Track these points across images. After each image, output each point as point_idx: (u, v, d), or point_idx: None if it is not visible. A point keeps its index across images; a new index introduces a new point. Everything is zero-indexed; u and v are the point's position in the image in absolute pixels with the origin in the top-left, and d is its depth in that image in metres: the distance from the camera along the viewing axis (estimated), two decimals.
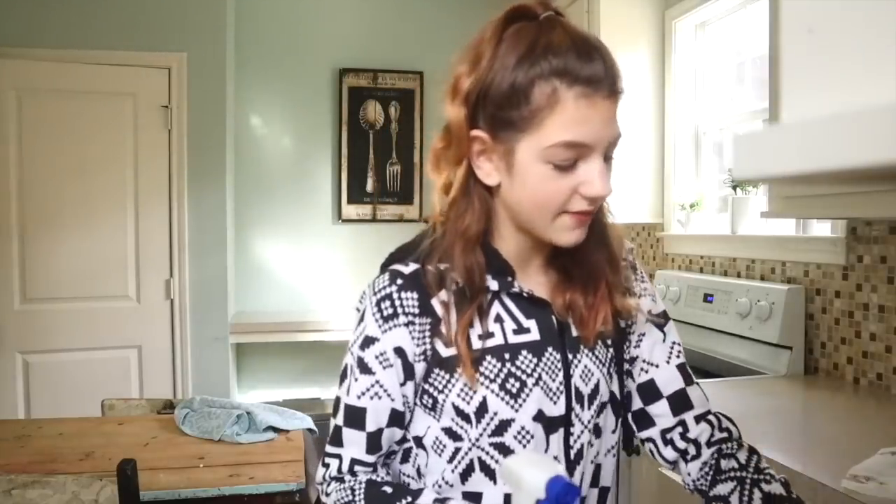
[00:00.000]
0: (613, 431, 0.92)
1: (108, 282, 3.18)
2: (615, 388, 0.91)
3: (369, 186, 3.76)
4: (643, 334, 0.93)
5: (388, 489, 0.83)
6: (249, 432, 1.95)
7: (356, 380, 0.85)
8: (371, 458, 0.85)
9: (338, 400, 0.87)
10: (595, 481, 0.90)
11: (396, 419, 0.86)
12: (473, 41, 0.82)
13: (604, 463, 0.91)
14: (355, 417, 0.85)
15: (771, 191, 1.62)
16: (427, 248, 0.85)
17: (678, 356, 0.94)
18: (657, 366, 0.93)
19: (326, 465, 0.87)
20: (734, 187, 2.32)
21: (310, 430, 2.11)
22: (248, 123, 3.66)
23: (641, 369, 0.93)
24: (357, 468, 0.85)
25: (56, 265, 3.11)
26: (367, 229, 3.75)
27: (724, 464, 0.87)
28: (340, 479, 0.85)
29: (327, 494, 0.86)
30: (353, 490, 0.83)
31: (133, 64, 3.17)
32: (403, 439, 0.89)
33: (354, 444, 0.85)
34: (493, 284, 0.85)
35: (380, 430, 0.85)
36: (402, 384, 0.85)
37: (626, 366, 0.93)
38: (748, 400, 1.79)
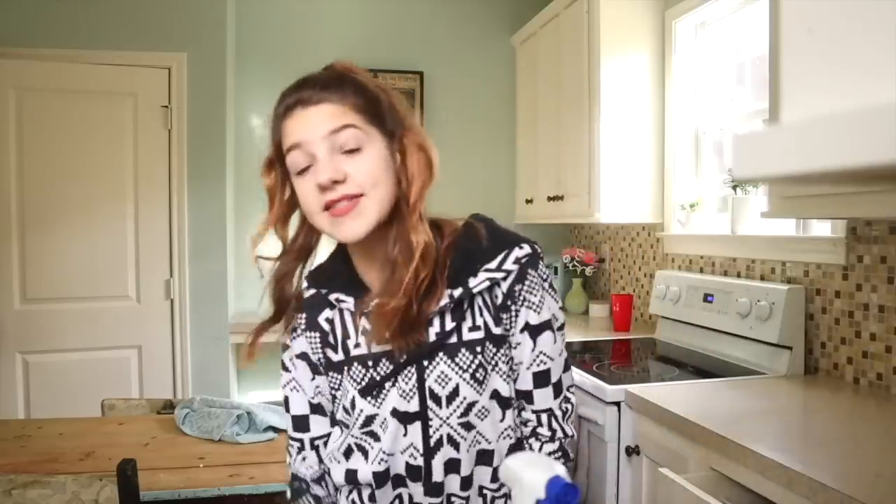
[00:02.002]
0: (501, 420, 1.03)
1: (108, 282, 3.17)
2: (498, 385, 1.02)
3: None
4: (519, 343, 1.03)
5: None
6: (249, 432, 1.95)
7: (281, 375, 1.11)
8: (297, 435, 1.10)
9: None
10: (487, 461, 1.02)
11: (315, 408, 1.10)
12: None
13: (497, 447, 1.02)
14: (286, 404, 1.11)
15: (771, 191, 1.62)
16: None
17: (539, 365, 1.04)
18: (524, 366, 1.05)
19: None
20: (734, 187, 2.32)
21: None
22: (248, 123, 3.66)
23: (515, 370, 1.05)
24: (291, 442, 1.11)
25: (56, 265, 3.11)
26: None
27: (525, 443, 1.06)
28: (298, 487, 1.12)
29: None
30: None
31: (133, 64, 3.17)
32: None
33: (288, 426, 1.12)
34: (348, 301, 1.02)
35: (304, 416, 1.09)
36: (312, 378, 1.09)
37: (511, 365, 1.04)
38: (748, 400, 1.79)
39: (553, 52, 3.17)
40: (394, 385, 1.00)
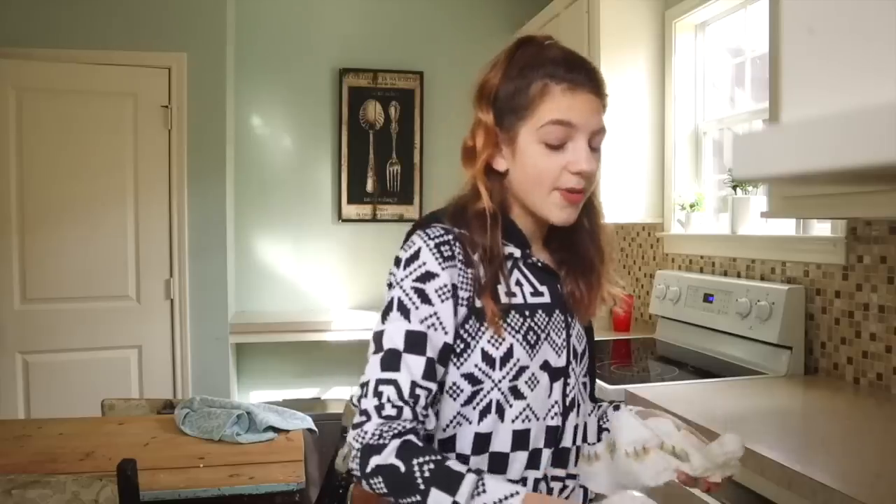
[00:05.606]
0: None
1: (108, 282, 3.17)
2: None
3: (369, 186, 3.76)
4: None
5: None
6: (249, 432, 1.95)
7: (416, 308, 0.93)
8: (430, 385, 0.91)
9: (380, 334, 0.93)
10: (585, 437, 1.07)
11: (444, 354, 0.94)
12: (490, 63, 1.04)
13: (589, 422, 1.09)
14: (416, 342, 0.91)
15: (771, 191, 1.62)
16: (450, 215, 0.99)
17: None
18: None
19: (378, 394, 0.89)
20: (734, 187, 2.32)
21: (310, 430, 2.11)
22: (248, 123, 3.66)
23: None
24: (418, 391, 0.90)
25: (56, 265, 3.11)
26: (367, 229, 3.74)
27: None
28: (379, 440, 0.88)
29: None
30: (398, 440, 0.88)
31: (133, 64, 3.17)
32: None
33: (414, 369, 0.90)
34: (516, 252, 1.01)
35: (433, 360, 0.92)
36: (454, 316, 0.94)
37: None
38: (748, 400, 1.79)
39: None
40: (546, 338, 1.00)
